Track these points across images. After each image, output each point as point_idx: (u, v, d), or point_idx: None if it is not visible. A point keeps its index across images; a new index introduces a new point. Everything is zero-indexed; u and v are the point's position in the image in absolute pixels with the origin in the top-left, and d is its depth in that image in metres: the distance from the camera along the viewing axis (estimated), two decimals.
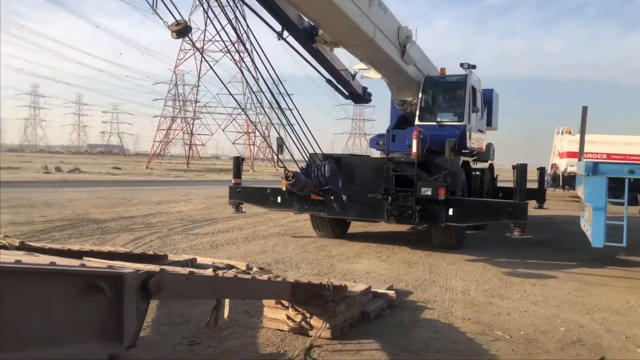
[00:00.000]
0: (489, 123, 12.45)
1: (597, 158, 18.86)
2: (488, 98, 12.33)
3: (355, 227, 11.48)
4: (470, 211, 8.14)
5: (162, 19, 5.23)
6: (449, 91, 10.48)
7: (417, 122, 10.01)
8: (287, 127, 6.62)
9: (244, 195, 9.71)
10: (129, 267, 2.72)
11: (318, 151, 7.37)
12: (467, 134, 9.90)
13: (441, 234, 8.91)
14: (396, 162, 8.63)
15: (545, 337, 4.74)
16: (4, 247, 4.35)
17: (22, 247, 4.45)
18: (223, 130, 69.52)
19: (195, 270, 3.34)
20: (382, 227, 11.59)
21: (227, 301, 3.70)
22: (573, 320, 5.30)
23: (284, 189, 8.56)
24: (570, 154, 19.81)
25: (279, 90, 6.97)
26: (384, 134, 10.27)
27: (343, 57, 9.03)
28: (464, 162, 9.49)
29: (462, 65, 10.48)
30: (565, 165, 20.75)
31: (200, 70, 61.58)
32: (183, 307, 5.19)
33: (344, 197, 6.97)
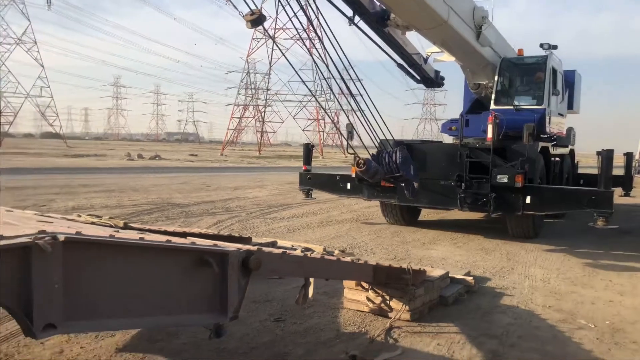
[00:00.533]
0: (570, 106, 11.94)
1: None
2: (570, 80, 11.81)
3: (427, 214, 11.46)
4: (549, 199, 7.84)
5: (236, 9, 5.41)
6: (527, 73, 10.09)
7: (492, 106, 9.73)
8: (357, 113, 6.67)
9: (313, 181, 9.84)
10: (231, 246, 2.98)
11: (389, 137, 7.39)
12: (547, 118, 9.54)
13: (517, 223, 8.67)
14: (470, 148, 8.44)
15: (634, 327, 4.63)
16: (109, 227, 4.79)
17: (126, 228, 4.88)
18: (293, 117, 70.63)
19: (287, 249, 3.58)
20: (455, 214, 11.50)
21: (312, 281, 3.90)
22: None
23: (353, 175, 8.65)
24: None
25: (349, 76, 7.04)
26: (457, 118, 10.06)
27: (415, 40, 8.94)
28: (542, 148, 9.21)
29: (542, 45, 10.03)
30: None
31: (271, 58, 62.67)
32: (267, 287, 5.50)
33: (416, 185, 6.95)
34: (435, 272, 5.16)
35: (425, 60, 9.56)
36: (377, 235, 8.91)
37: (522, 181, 7.71)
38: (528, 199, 7.74)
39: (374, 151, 6.82)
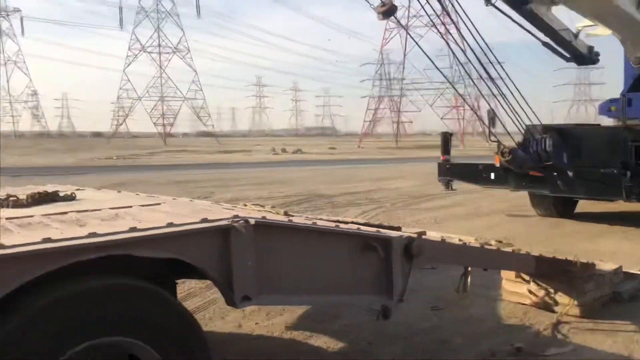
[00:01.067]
0: None
1: None
2: None
3: (585, 206, 10.56)
4: None
5: (367, 2, 5.42)
6: None
7: None
8: (499, 98, 6.33)
9: (453, 171, 9.27)
10: (393, 232, 3.07)
11: (536, 122, 6.89)
12: None
13: None
14: (636, 131, 7.55)
15: None
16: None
17: (287, 216, 5.23)
18: (430, 105, 69.27)
19: (446, 237, 3.60)
20: (623, 206, 10.45)
21: (470, 270, 3.86)
22: None
23: (497, 164, 8.04)
24: None
25: (488, 59, 6.70)
26: (616, 98, 9.14)
27: (563, 15, 8.08)
28: None
29: None
30: None
31: (405, 47, 62.04)
32: (419, 276, 5.51)
33: (570, 173, 6.34)
34: (607, 266, 4.76)
35: (576, 35, 8.70)
36: (534, 227, 8.46)
37: None
38: None
39: (519, 138, 6.44)
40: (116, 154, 35.28)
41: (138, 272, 2.12)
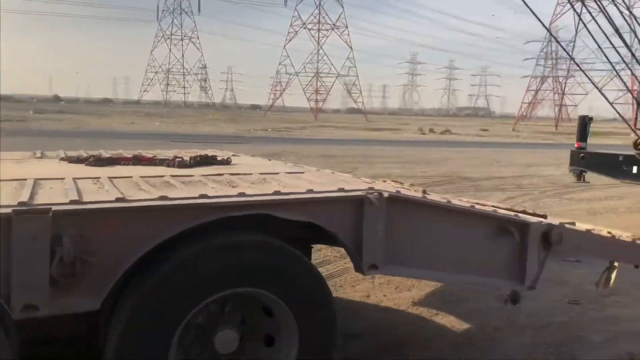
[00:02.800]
0: None
1: None
2: None
3: None
4: None
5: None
6: None
7: None
8: None
9: (588, 162, 8.31)
10: (532, 218, 3.01)
11: None
12: None
13: None
14: None
15: None
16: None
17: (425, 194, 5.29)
18: (599, 89, 62.56)
19: (591, 228, 3.41)
20: None
21: (617, 266, 3.61)
22: None
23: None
24: None
25: None
26: None
27: None
28: None
29: None
30: None
31: (578, 23, 56.39)
32: (559, 269, 5.21)
33: None
34: None
35: None
36: None
37: None
38: None
39: None
40: (271, 127, 37.61)
41: (279, 233, 2.40)
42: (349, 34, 76.14)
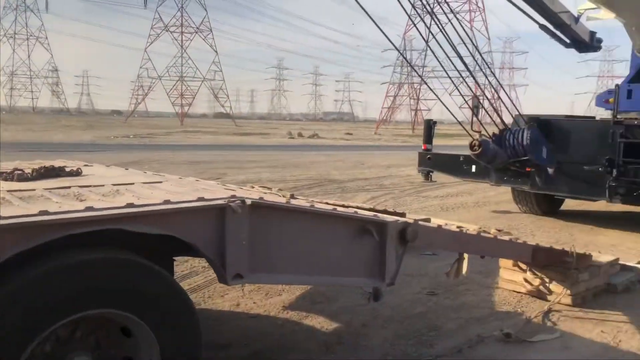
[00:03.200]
0: None
1: None
2: None
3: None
4: None
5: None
6: None
7: None
8: (489, 88, 6.09)
9: (434, 162, 8.72)
10: (389, 217, 3.17)
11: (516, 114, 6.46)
12: None
13: None
14: (627, 125, 6.87)
15: None
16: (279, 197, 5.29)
17: (293, 199, 5.34)
18: (450, 94, 68.64)
19: (443, 224, 3.68)
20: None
21: (466, 257, 3.94)
22: None
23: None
24: None
25: (506, 50, 6.52)
26: (612, 89, 8.36)
27: None
28: None
29: None
30: None
31: (428, 34, 61.33)
32: (419, 262, 5.61)
33: (551, 170, 5.99)
34: (603, 258, 4.83)
35: (577, 19, 7.99)
36: (538, 218, 8.47)
37: None
38: None
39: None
40: (133, 133, 35.70)
41: (136, 248, 2.25)
42: (213, 38, 75.09)
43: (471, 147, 5.24)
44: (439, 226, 3.49)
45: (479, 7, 64.17)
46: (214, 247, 2.39)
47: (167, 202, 2.30)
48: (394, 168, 16.26)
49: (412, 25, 5.83)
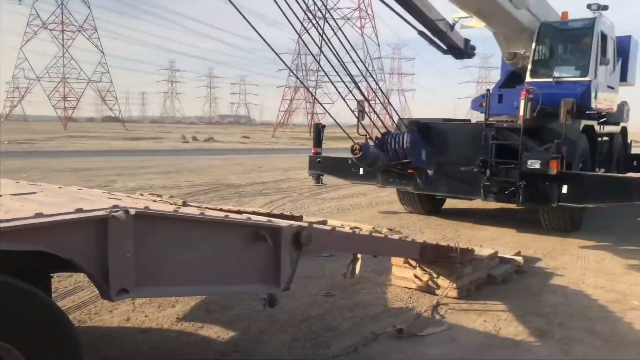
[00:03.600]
0: (624, 78, 10.26)
1: None
2: (624, 47, 10.12)
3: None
4: (591, 189, 6.66)
5: None
6: (571, 40, 8.79)
7: (528, 78, 8.43)
8: (375, 92, 6.25)
9: (323, 165, 8.86)
10: (283, 222, 3.15)
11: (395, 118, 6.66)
12: (592, 91, 8.19)
13: (552, 216, 7.58)
14: (497, 128, 7.25)
15: None
16: (170, 205, 5.08)
17: (185, 206, 5.16)
18: (344, 98, 70.42)
19: (337, 226, 3.73)
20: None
21: (360, 257, 4.04)
22: None
23: None
24: None
25: (395, 56, 6.79)
26: (484, 93, 8.66)
27: (439, 4, 7.89)
28: (586, 127, 7.95)
29: (589, 6, 8.57)
30: None
31: (321, 39, 62.55)
32: (316, 264, 5.69)
33: (430, 172, 6.25)
34: (484, 252, 5.20)
35: (452, 27, 8.32)
36: (427, 216, 8.94)
37: (557, 167, 6.60)
38: (564, 189, 6.66)
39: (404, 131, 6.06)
40: (9, 139, 32.68)
41: (3, 266, 2.03)
42: (99, 38, 70.92)
43: (352, 151, 5.32)
44: (333, 228, 3.54)
45: (368, 15, 66.61)
46: (94, 262, 2.22)
47: (39, 215, 2.10)
48: (292, 171, 16.35)
49: (306, 30, 5.84)
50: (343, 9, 59.45)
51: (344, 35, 6.04)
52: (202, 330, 3.85)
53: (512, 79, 9.43)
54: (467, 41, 8.81)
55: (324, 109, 5.79)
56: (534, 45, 8.60)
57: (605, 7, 8.54)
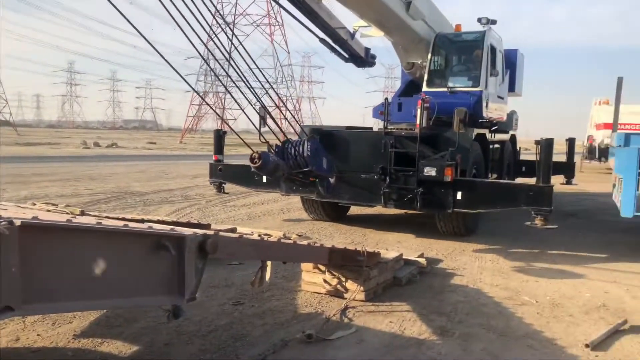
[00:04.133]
0: (512, 89, 10.86)
1: (635, 129, 18.51)
2: (511, 60, 10.74)
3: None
4: (483, 195, 6.87)
5: None
6: (464, 51, 9.12)
7: (425, 88, 8.68)
8: (272, 99, 6.09)
9: (225, 173, 8.64)
10: (188, 230, 3.06)
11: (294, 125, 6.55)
12: (484, 101, 8.53)
13: (447, 221, 7.77)
14: (396, 136, 7.40)
15: (571, 302, 4.96)
16: (66, 214, 4.77)
17: (83, 215, 4.86)
18: (253, 105, 70.10)
19: (244, 234, 3.68)
20: None
21: (269, 264, 4.02)
22: (599, 287, 5.48)
23: None
24: (607, 125, 19.38)
25: (305, 64, 6.83)
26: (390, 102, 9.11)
27: (342, 13, 7.79)
28: (478, 135, 8.32)
29: (479, 20, 8.92)
30: (601, 136, 20.46)
31: (231, 45, 61.90)
32: (226, 272, 5.59)
33: (332, 180, 6.27)
34: (390, 254, 5.36)
35: (352, 35, 8.32)
36: (337, 221, 9.08)
37: (451, 175, 6.78)
38: (459, 195, 6.84)
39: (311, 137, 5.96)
40: None
41: None
42: None
43: (251, 160, 5.17)
44: (240, 236, 3.49)
45: (278, 22, 66.93)
46: None
47: None
48: (200, 178, 15.96)
49: (215, 35, 5.69)
50: (252, 15, 59.23)
51: (240, 43, 5.90)
52: (102, 347, 3.64)
53: (411, 88, 9.65)
54: (367, 50, 8.91)
55: (218, 115, 5.50)
56: (429, 55, 8.87)
57: (493, 22, 8.95)
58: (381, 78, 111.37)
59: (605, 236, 8.36)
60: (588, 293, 5.24)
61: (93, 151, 31.74)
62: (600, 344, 3.92)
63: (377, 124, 10.21)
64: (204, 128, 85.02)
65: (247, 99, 5.98)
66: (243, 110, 5.93)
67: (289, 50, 75.71)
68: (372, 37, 9.01)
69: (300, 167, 5.51)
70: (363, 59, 8.79)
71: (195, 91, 9.49)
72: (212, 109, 9.89)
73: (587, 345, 3.84)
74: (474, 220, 8.03)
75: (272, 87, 7.37)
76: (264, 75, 5.96)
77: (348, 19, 8.26)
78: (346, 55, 8.50)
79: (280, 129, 5.80)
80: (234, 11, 57.14)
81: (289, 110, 6.11)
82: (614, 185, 7.57)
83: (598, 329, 4.21)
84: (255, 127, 5.92)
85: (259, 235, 4.33)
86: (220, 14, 6.09)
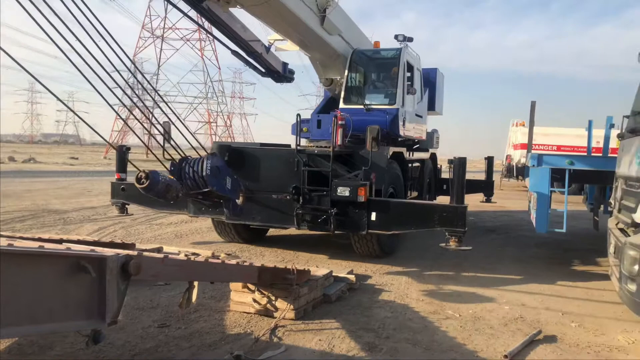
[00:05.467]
0: (432, 107, 10.73)
1: (547, 150, 19.83)
2: (431, 79, 10.68)
3: None
4: (397, 216, 6.64)
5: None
6: (380, 68, 9.00)
7: (341, 105, 8.51)
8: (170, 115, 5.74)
9: (128, 193, 7.89)
10: (109, 251, 2.94)
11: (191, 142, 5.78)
12: (401, 119, 8.38)
13: (362, 243, 7.41)
14: (309, 154, 7.10)
15: (491, 314, 5.18)
16: None
17: None
18: (182, 121, 68.63)
19: (170, 254, 3.58)
20: None
21: (196, 284, 3.93)
22: (516, 299, 5.77)
23: None
24: (524, 146, 20.61)
25: (237, 80, 6.67)
26: (309, 118, 8.53)
27: (258, 26, 7.66)
28: (395, 153, 8.14)
29: (396, 37, 8.73)
30: (518, 156, 21.71)
31: (160, 58, 60.54)
32: (151, 293, 5.40)
33: (239, 200, 5.98)
34: (320, 272, 5.39)
35: (268, 49, 8.03)
36: (268, 239, 9.02)
37: (365, 194, 6.57)
38: (373, 216, 6.63)
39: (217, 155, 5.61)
40: None
41: None
42: None
43: (137, 179, 4.64)
44: (166, 256, 3.39)
45: (208, 37, 66.28)
46: None
47: None
48: None
49: (142, 48, 5.45)
50: (182, 29, 58.27)
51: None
52: None
53: (331, 104, 9.34)
54: (285, 65, 8.67)
55: (90, 126, 4.79)
56: (346, 72, 8.69)
57: (410, 39, 8.82)
58: (312, 96, 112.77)
59: (522, 251, 8.83)
60: (507, 306, 5.50)
61: (8, 166, 29.79)
62: (517, 354, 4.12)
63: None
64: (132, 143, 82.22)
65: (151, 113, 5.53)
66: (151, 123, 5.44)
67: (219, 66, 75.22)
68: (287, 51, 8.82)
69: (199, 187, 5.07)
70: (280, 74, 8.58)
71: (124, 104, 9.07)
72: (139, 121, 9.47)
73: (505, 357, 4.03)
74: (390, 241, 7.73)
75: (162, 98, 7.03)
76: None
77: (264, 33, 8.12)
78: (262, 70, 8.27)
79: (177, 146, 5.31)
80: (162, 25, 56.01)
81: (185, 126, 5.60)
82: (529, 202, 8.05)
83: (516, 340, 4.43)
84: (158, 143, 5.36)
85: (186, 255, 4.23)
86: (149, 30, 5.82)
